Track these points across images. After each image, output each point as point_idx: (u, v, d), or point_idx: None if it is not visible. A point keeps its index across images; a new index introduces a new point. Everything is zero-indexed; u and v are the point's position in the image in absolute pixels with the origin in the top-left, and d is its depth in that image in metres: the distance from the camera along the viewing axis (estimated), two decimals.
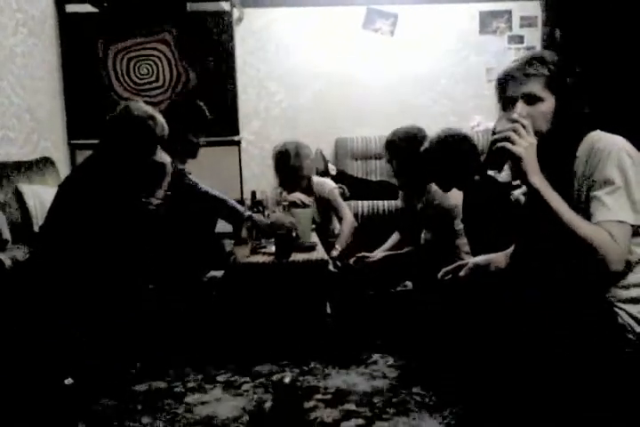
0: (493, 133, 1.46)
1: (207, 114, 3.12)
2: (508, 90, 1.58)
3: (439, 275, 1.87)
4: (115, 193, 2.43)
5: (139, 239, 2.47)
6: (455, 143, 2.42)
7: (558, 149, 1.55)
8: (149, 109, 2.59)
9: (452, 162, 2.41)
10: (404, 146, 2.77)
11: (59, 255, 2.33)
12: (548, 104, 1.54)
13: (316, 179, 3.47)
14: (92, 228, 2.33)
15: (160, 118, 2.60)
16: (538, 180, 1.42)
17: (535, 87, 1.54)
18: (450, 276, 1.85)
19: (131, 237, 2.43)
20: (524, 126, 1.43)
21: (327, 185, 3.44)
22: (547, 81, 1.54)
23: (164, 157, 2.90)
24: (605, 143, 1.49)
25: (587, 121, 1.57)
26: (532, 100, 1.54)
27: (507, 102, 1.59)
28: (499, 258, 1.80)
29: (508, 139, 1.42)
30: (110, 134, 2.56)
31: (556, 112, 1.54)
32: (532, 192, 1.45)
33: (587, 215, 1.45)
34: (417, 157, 2.69)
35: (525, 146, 1.41)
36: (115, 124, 2.55)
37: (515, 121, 1.44)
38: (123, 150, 2.53)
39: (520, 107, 1.54)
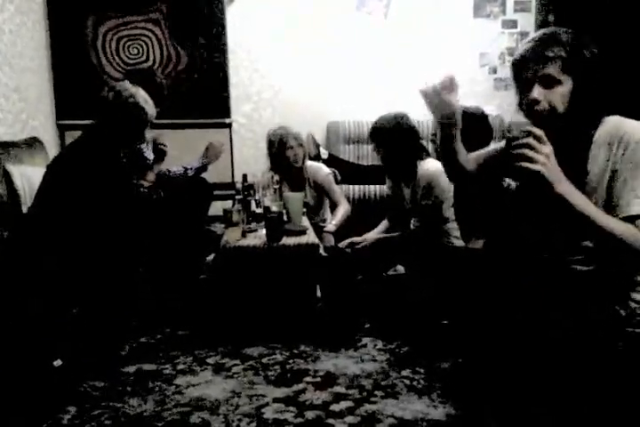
0: (509, 139, 1.41)
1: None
2: (524, 72, 1.54)
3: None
4: (106, 175, 2.41)
5: (131, 222, 2.45)
6: (477, 119, 2.45)
7: (574, 132, 1.53)
8: (139, 91, 2.57)
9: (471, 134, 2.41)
10: (389, 133, 2.78)
11: (47, 236, 2.31)
12: (566, 86, 1.51)
13: (309, 163, 3.46)
14: (82, 210, 2.31)
15: (149, 99, 2.58)
16: (564, 188, 1.38)
17: (553, 69, 1.50)
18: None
19: (122, 219, 2.41)
20: (537, 137, 1.38)
21: (322, 171, 3.43)
22: (564, 63, 1.50)
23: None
24: (631, 130, 1.46)
25: (603, 104, 1.54)
26: (549, 82, 1.51)
27: (523, 85, 1.55)
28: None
29: (524, 156, 1.38)
30: (102, 116, 2.53)
31: (573, 94, 1.51)
32: (559, 200, 1.40)
33: (608, 199, 1.46)
34: (402, 143, 2.71)
35: (543, 161, 1.36)
36: (107, 105, 2.52)
37: (526, 132, 1.39)
38: (115, 132, 2.51)
39: (537, 91, 1.51)
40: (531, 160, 1.36)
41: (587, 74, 1.51)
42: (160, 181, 2.86)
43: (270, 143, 3.34)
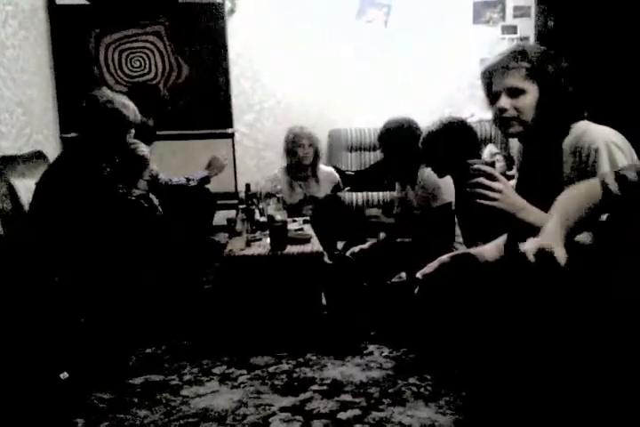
0: (470, 172, 1.47)
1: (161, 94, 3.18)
2: (492, 85, 1.61)
3: (419, 275, 1.80)
4: (90, 186, 2.41)
5: (125, 232, 2.45)
6: (460, 129, 2.45)
7: (545, 139, 1.57)
8: (118, 96, 2.57)
9: (456, 147, 2.41)
10: (396, 137, 2.78)
11: (44, 251, 2.32)
12: (532, 95, 1.57)
13: (322, 167, 3.79)
14: (72, 224, 2.31)
15: (130, 104, 2.57)
16: (524, 215, 1.46)
17: (516, 80, 1.57)
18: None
19: (114, 229, 2.41)
20: (487, 175, 1.45)
21: (333, 176, 3.81)
22: (527, 72, 1.56)
23: (142, 148, 2.89)
24: (591, 138, 1.51)
25: (572, 110, 1.58)
26: (515, 92, 1.57)
27: (491, 97, 1.62)
28: (485, 251, 1.79)
29: (479, 195, 1.45)
30: (83, 125, 2.54)
31: (539, 101, 1.56)
32: (524, 225, 1.48)
33: None
34: (410, 148, 2.71)
35: (496, 196, 1.44)
36: (86, 116, 2.53)
37: (476, 171, 1.46)
38: (97, 140, 2.51)
39: (503, 100, 1.58)
40: (485, 197, 1.44)
41: (552, 83, 1.56)
42: (157, 190, 2.86)
43: (286, 140, 3.67)
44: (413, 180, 2.85)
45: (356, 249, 2.95)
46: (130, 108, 2.54)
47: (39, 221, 2.42)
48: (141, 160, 2.95)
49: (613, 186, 1.36)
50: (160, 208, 2.79)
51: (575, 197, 1.42)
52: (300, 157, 3.62)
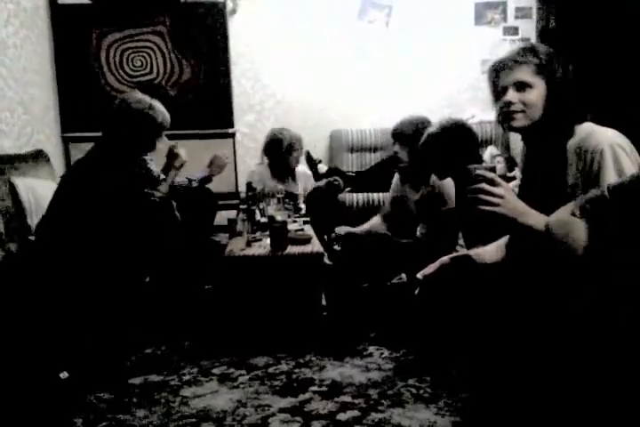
0: (471, 178, 1.47)
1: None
2: (499, 79, 1.61)
3: (419, 276, 1.76)
4: (121, 186, 2.44)
5: (141, 232, 2.46)
6: (460, 131, 2.44)
7: (548, 141, 1.56)
8: (147, 98, 2.60)
9: (455, 149, 2.40)
10: (411, 135, 2.75)
11: (60, 246, 2.33)
12: (539, 90, 1.57)
13: (300, 167, 3.80)
14: (96, 220, 2.33)
15: (159, 106, 2.60)
16: (525, 220, 1.46)
17: (525, 74, 1.57)
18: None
19: (134, 230, 2.42)
20: (489, 180, 1.45)
21: (307, 175, 3.83)
22: (537, 68, 1.57)
23: (183, 151, 2.91)
24: (595, 140, 1.51)
25: (577, 110, 1.58)
26: (522, 86, 1.57)
27: (498, 91, 1.61)
28: (485, 252, 1.78)
29: (480, 201, 1.45)
30: (111, 127, 2.56)
31: (547, 98, 1.56)
32: (525, 230, 1.47)
33: None
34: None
35: (498, 202, 1.44)
36: (115, 116, 2.56)
37: (477, 176, 1.45)
38: (125, 142, 2.54)
39: (511, 93, 1.57)
40: (487, 203, 1.43)
41: (559, 81, 1.56)
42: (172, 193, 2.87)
43: (277, 142, 3.57)
44: (419, 181, 2.83)
45: (342, 231, 2.86)
46: (158, 111, 2.57)
47: (58, 216, 2.43)
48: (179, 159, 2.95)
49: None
50: (177, 213, 2.80)
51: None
52: (292, 161, 3.61)
